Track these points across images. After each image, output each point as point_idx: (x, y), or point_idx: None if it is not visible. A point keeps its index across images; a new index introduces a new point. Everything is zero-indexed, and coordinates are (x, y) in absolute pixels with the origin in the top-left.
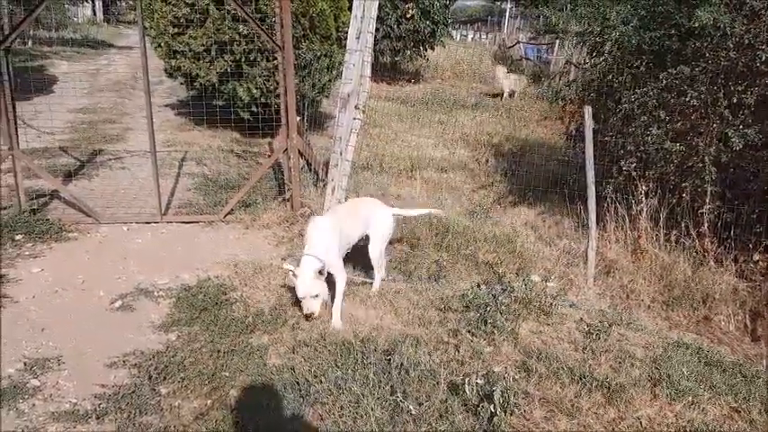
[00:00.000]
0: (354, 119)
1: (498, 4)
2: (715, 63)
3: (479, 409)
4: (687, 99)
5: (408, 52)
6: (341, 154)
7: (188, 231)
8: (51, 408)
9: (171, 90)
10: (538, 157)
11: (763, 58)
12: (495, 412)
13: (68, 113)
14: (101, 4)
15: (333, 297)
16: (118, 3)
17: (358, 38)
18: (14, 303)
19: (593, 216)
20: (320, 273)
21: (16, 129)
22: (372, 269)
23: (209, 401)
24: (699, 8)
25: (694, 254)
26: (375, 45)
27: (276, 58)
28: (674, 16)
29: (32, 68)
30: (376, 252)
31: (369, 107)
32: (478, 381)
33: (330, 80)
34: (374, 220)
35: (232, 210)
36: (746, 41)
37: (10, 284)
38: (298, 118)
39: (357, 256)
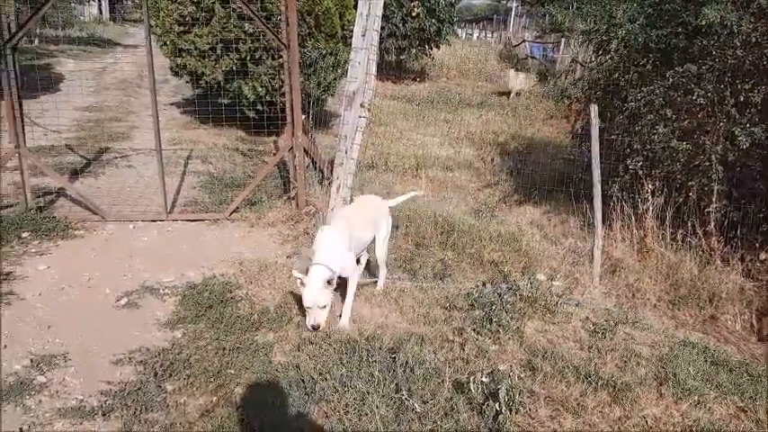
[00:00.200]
0: (360, 117)
1: (504, 2)
2: (722, 61)
3: (484, 407)
4: (694, 97)
5: (414, 51)
6: (346, 152)
7: (193, 229)
8: (58, 404)
9: (176, 88)
10: (543, 156)
11: None
12: (501, 411)
13: (75, 112)
14: (107, 2)
15: (343, 296)
16: (124, 1)
17: (363, 36)
18: (21, 300)
19: (598, 215)
20: (329, 283)
21: (23, 127)
22: (373, 267)
23: (214, 398)
24: (706, 6)
25: (701, 253)
26: (380, 43)
27: (281, 57)
28: (680, 14)
29: (39, 67)
30: (382, 252)
31: (374, 106)
32: (483, 379)
33: (335, 78)
34: (382, 220)
35: (237, 208)
36: (754, 39)
37: (17, 281)
38: (303, 116)
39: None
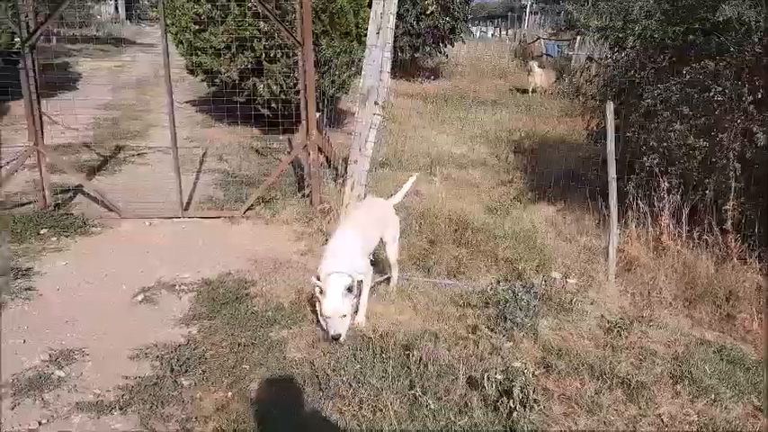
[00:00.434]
0: (374, 115)
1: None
2: (740, 58)
3: (499, 404)
4: (711, 94)
5: (428, 49)
6: (360, 150)
7: (209, 227)
8: (76, 398)
9: (192, 87)
10: (558, 154)
11: None
12: (515, 408)
13: (92, 110)
14: (123, 1)
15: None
16: (140, 0)
17: (378, 34)
18: (40, 296)
19: (614, 212)
20: (350, 290)
21: (42, 125)
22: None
23: (229, 394)
24: (723, 2)
25: (717, 251)
26: (395, 41)
27: (296, 55)
28: (698, 10)
29: (57, 66)
30: (393, 252)
31: (388, 103)
32: (498, 376)
33: (349, 77)
34: (388, 222)
35: (252, 205)
36: None
37: (36, 277)
38: (317, 114)
39: None
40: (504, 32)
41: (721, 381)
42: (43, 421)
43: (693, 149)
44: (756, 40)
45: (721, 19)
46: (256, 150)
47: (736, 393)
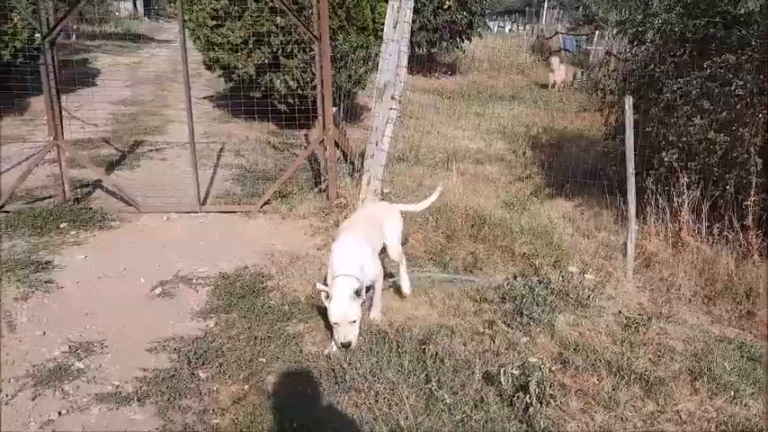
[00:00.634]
0: (390, 109)
1: None
2: (761, 51)
3: (515, 399)
4: (732, 88)
5: (445, 44)
6: (377, 144)
7: (226, 221)
8: (95, 389)
9: (209, 82)
10: (576, 149)
11: None
12: (531, 403)
13: (111, 105)
14: None
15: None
16: None
17: (395, 28)
18: (60, 288)
19: (632, 208)
20: (357, 294)
21: (61, 120)
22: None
23: (246, 386)
24: None
25: (738, 247)
26: (411, 36)
27: (313, 50)
28: (719, 3)
29: (76, 62)
30: (396, 254)
31: (405, 98)
32: (514, 371)
33: (366, 72)
34: (387, 226)
35: (269, 200)
36: None
37: (56, 270)
38: (334, 109)
39: None
40: (521, 27)
41: (741, 378)
42: (63, 411)
43: (714, 144)
44: None
45: (743, 11)
46: (273, 145)
47: (756, 390)
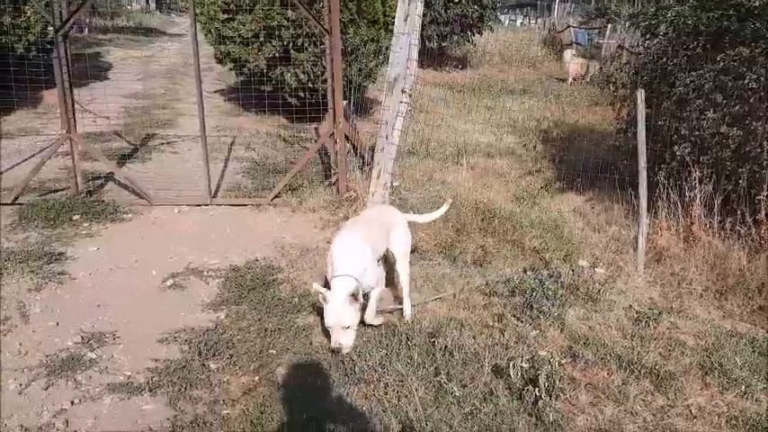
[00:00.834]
0: (401, 103)
1: None
2: None
3: (524, 392)
4: (745, 82)
5: (455, 37)
6: (387, 138)
7: (236, 214)
8: (107, 380)
9: (220, 76)
10: (587, 143)
11: None
12: (540, 396)
13: (123, 99)
14: None
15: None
16: None
17: (405, 21)
18: (72, 280)
19: (644, 202)
20: (355, 297)
21: (74, 113)
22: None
23: (256, 378)
24: None
25: (750, 242)
26: (422, 30)
27: (323, 43)
28: None
29: (89, 55)
30: (405, 271)
31: (415, 92)
32: (523, 364)
33: (377, 65)
34: (395, 231)
35: (279, 193)
36: None
37: (68, 262)
38: (344, 103)
39: None
40: (533, 21)
41: (752, 373)
42: (75, 401)
43: (726, 138)
44: None
45: (757, 4)
46: (283, 139)
47: None
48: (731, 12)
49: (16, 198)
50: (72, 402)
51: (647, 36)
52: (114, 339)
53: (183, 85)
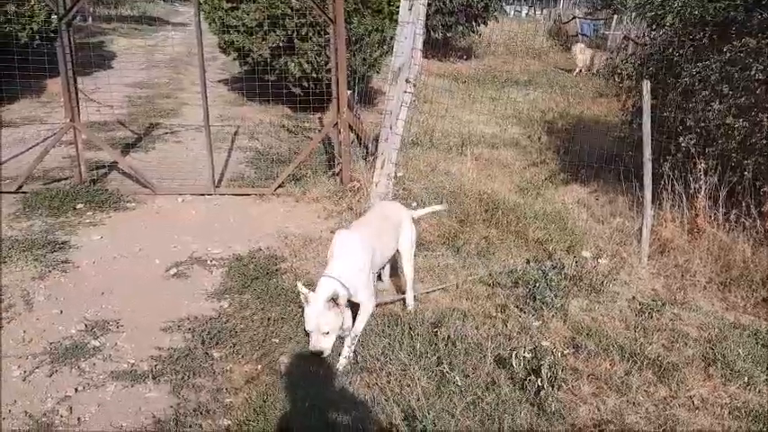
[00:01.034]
0: (405, 92)
1: None
2: None
3: (526, 382)
4: (752, 73)
5: (460, 28)
6: (391, 128)
7: (240, 203)
8: (110, 367)
9: (224, 66)
10: (592, 135)
11: None
12: (543, 386)
13: (126, 88)
14: None
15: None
16: None
17: (410, 10)
18: (76, 268)
19: (648, 194)
20: (336, 303)
21: (78, 102)
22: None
23: (259, 366)
24: None
25: (755, 234)
26: (427, 20)
27: (328, 33)
28: None
29: (92, 45)
30: (410, 267)
31: (420, 82)
32: (526, 355)
33: (381, 55)
34: (403, 230)
35: (283, 183)
36: None
37: (72, 250)
38: (348, 93)
39: None
40: (538, 12)
41: (756, 364)
42: (79, 388)
43: (732, 129)
44: None
45: None
46: (287, 129)
47: None
48: (738, 2)
49: (20, 187)
50: (76, 389)
51: (654, 27)
52: (118, 327)
53: (186, 74)
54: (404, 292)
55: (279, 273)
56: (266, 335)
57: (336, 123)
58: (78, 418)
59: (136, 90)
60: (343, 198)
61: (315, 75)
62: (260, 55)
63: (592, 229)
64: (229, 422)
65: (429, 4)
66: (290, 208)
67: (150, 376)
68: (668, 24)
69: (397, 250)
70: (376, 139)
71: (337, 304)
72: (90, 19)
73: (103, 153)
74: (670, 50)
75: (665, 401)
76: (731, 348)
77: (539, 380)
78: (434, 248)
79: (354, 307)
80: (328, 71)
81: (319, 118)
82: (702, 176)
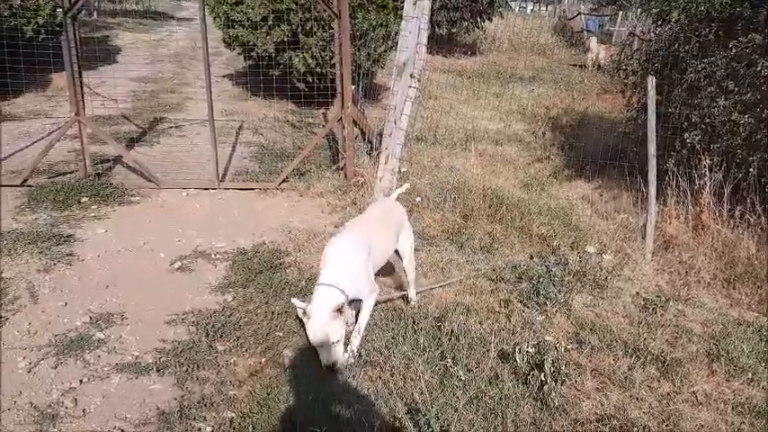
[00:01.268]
0: (409, 87)
1: None
2: None
3: (529, 377)
4: (758, 69)
5: (465, 24)
6: (395, 122)
7: (244, 198)
8: (115, 359)
9: (229, 61)
10: (597, 131)
11: None
12: (546, 381)
13: (131, 82)
14: None
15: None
16: None
17: (415, 5)
18: (81, 261)
19: (653, 190)
20: (340, 311)
21: (83, 96)
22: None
23: (263, 360)
24: None
25: (759, 231)
26: (432, 16)
27: (332, 28)
28: None
29: (97, 39)
30: (412, 265)
31: (424, 78)
32: (529, 350)
33: (386, 50)
34: (404, 227)
35: (287, 178)
36: None
37: (77, 243)
38: (353, 88)
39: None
40: (543, 8)
41: (759, 361)
42: (84, 380)
43: (738, 126)
44: None
45: None
46: (291, 124)
47: None
48: None
49: (25, 180)
50: (80, 381)
51: (659, 22)
52: (122, 320)
53: (191, 69)
54: (405, 289)
55: (283, 267)
56: (270, 328)
57: (341, 118)
58: (83, 410)
59: (140, 84)
60: (347, 193)
61: (319, 70)
62: (264, 50)
63: (596, 224)
64: (233, 414)
65: (434, 0)
66: (294, 202)
67: (154, 368)
68: (674, 20)
69: (398, 251)
70: (380, 135)
71: (341, 312)
72: (95, 13)
73: (108, 147)
74: (675, 46)
75: (668, 397)
76: (735, 344)
77: (542, 374)
78: (438, 243)
79: (354, 301)
80: (333, 66)
81: (323, 113)
82: (707, 173)
